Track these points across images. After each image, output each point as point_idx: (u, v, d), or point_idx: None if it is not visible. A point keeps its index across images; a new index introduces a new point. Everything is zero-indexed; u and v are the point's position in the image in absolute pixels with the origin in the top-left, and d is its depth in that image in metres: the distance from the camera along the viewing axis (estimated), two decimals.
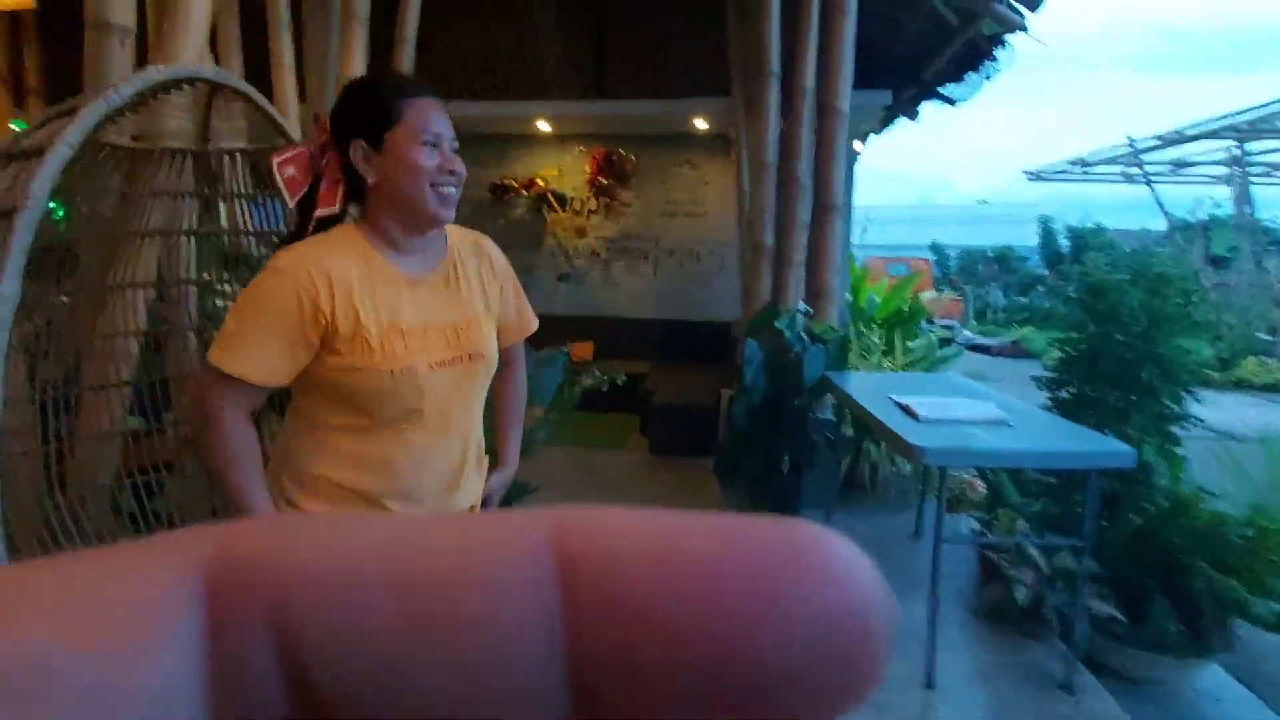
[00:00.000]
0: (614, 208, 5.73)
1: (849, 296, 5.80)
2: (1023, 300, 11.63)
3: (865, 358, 4.16)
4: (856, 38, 3.13)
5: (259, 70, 2.16)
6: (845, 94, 3.10)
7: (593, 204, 5.74)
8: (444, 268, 1.02)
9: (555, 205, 5.75)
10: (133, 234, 1.61)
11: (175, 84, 1.06)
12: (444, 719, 0.08)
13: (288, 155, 1.01)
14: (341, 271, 0.92)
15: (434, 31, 5.35)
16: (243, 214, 1.72)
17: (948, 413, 2.15)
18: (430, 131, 0.95)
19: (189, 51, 1.60)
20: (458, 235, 1.06)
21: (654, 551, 0.08)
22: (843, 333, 3.16)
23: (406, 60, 2.55)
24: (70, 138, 0.83)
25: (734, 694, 0.08)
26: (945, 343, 9.31)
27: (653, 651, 0.08)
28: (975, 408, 2.21)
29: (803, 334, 2.99)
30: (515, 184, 5.73)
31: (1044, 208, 14.78)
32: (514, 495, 2.03)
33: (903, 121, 5.90)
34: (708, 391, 4.06)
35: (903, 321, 5.04)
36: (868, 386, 2.72)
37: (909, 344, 4.74)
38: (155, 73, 0.90)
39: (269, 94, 2.23)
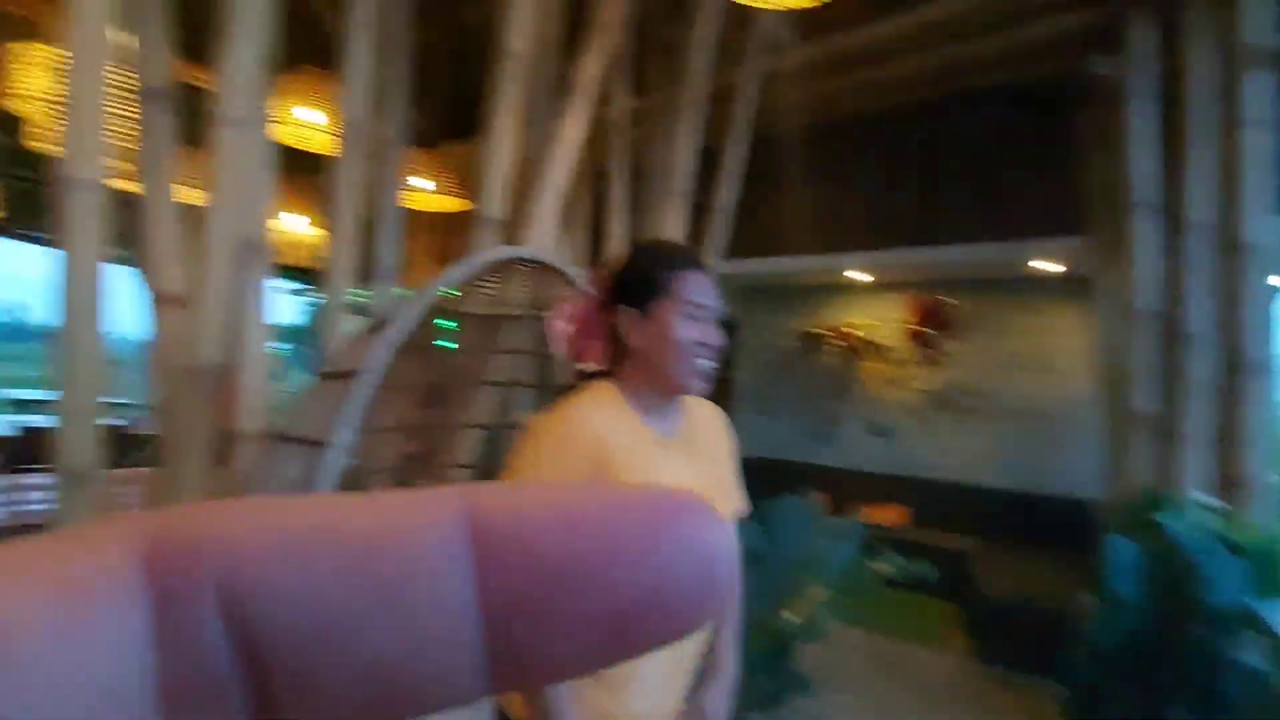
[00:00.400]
0: (937, 359, 5.23)
1: None
2: None
3: None
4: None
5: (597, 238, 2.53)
6: (1254, 224, 2.40)
7: (912, 354, 5.33)
8: (684, 431, 1.01)
9: (869, 354, 5.49)
10: (482, 382, 1.91)
11: (504, 263, 1.25)
12: (377, 670, 0.09)
13: (565, 311, 1.08)
14: (611, 432, 0.93)
15: (756, 196, 5.83)
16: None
17: None
18: (694, 304, 0.96)
19: (539, 236, 1.92)
20: (692, 400, 1.05)
21: (555, 514, 0.10)
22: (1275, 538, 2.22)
23: (719, 227, 2.75)
24: (408, 316, 0.97)
25: (621, 621, 0.10)
26: None
27: (556, 597, 0.10)
28: None
29: (1206, 537, 2.18)
30: (827, 333, 5.66)
31: None
32: (782, 691, 1.75)
33: None
34: (1055, 588, 3.19)
35: None
36: None
37: None
38: (498, 252, 1.05)
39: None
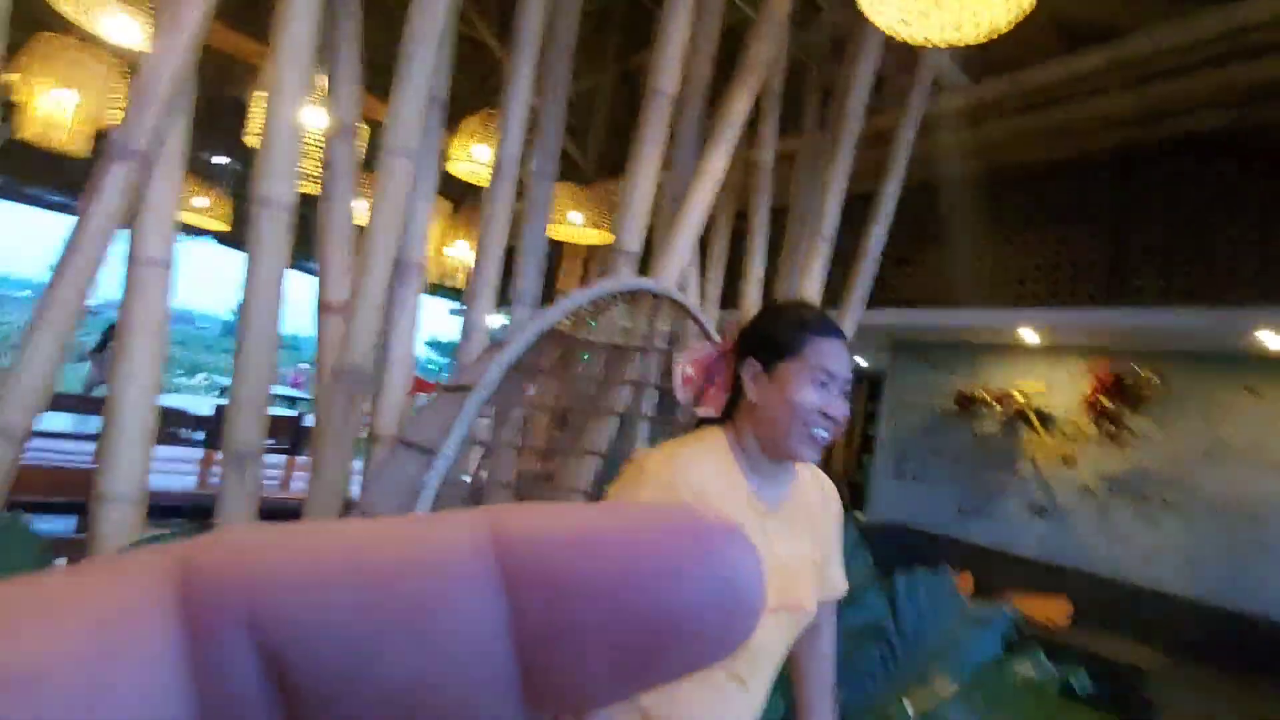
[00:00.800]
0: (1121, 437, 4.57)
1: None
2: None
3: None
4: None
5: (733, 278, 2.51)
6: None
7: (1090, 429, 4.70)
8: (789, 502, 0.97)
9: (1037, 425, 4.92)
10: (603, 410, 1.94)
11: (632, 295, 1.27)
12: (411, 696, 0.09)
13: (692, 355, 1.07)
14: (713, 485, 0.91)
15: (916, 246, 5.52)
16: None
17: None
18: (823, 370, 0.93)
19: (670, 269, 1.93)
20: (808, 472, 1.01)
21: (579, 535, 0.10)
22: None
23: (866, 275, 2.61)
24: (523, 337, 1.00)
25: (649, 645, 0.10)
26: None
27: (583, 620, 0.10)
28: None
29: None
30: (987, 396, 5.16)
31: None
32: None
33: None
34: None
35: None
36: None
37: None
38: (606, 284, 1.07)
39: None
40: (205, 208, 4.05)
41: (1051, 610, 4.16)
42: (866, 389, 7.59)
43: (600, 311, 1.49)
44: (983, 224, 5.01)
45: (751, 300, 2.54)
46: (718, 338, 1.38)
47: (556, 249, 5.43)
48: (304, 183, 1.84)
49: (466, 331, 1.71)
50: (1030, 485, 4.90)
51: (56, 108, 2.70)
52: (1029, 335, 4.83)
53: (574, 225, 3.86)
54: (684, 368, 1.06)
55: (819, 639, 1.07)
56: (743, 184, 2.75)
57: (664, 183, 2.20)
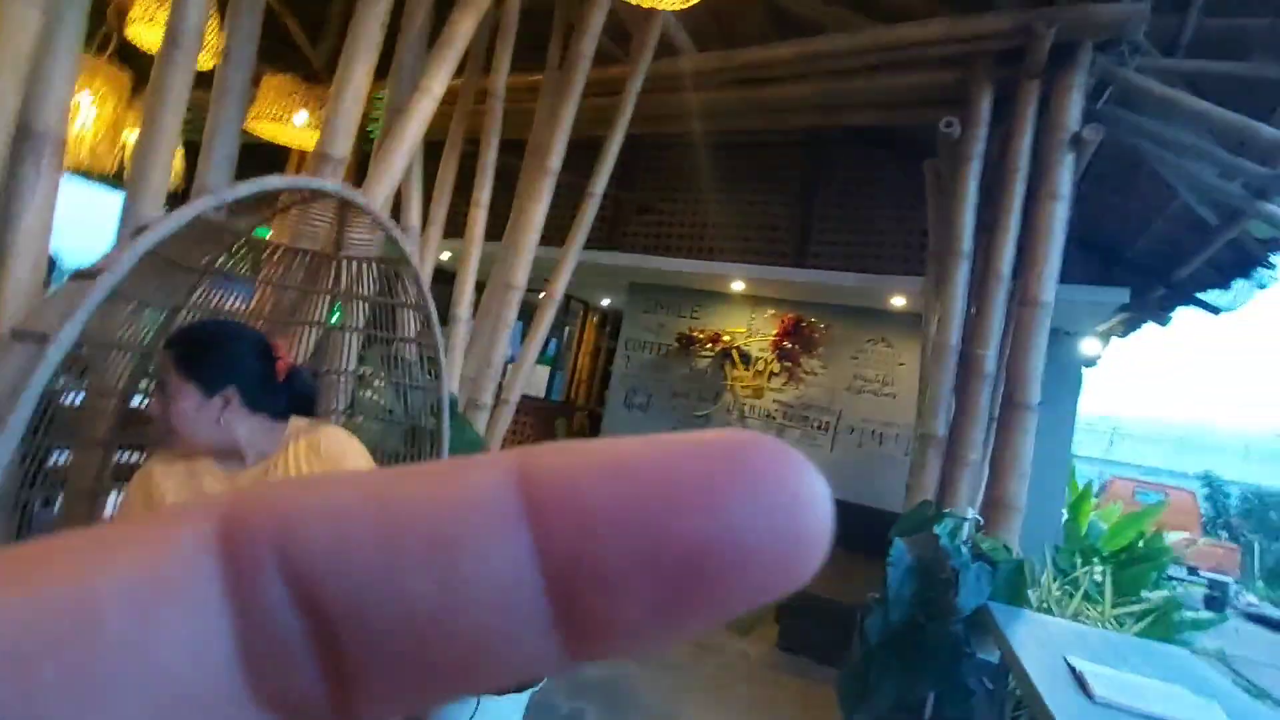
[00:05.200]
0: (796, 374, 5.58)
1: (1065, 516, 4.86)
2: None
3: (1070, 596, 3.35)
4: (1090, 230, 2.82)
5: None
6: (1049, 284, 2.75)
7: (775, 367, 5.66)
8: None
9: (738, 362, 5.76)
10: (300, 320, 1.85)
11: (303, 193, 1.23)
12: (437, 628, 0.09)
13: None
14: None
15: (655, 195, 5.97)
16: (414, 321, 1.92)
17: (1142, 701, 1.56)
18: None
19: (384, 181, 1.88)
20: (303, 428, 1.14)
21: (608, 464, 0.10)
22: (1019, 556, 2.57)
23: (589, 213, 2.80)
24: (169, 223, 0.94)
25: (692, 577, 0.09)
26: (1210, 603, 7.27)
27: (615, 551, 0.09)
28: (1191, 706, 1.59)
29: (964, 546, 2.49)
30: (702, 336, 5.89)
31: None
32: None
33: (1188, 328, 5.12)
34: (857, 589, 3.51)
35: (1134, 561, 4.06)
36: (1039, 634, 2.13)
37: (1144, 593, 3.76)
38: (270, 181, 1.03)
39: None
40: None
41: None
42: (609, 329, 8.13)
43: (305, 219, 1.42)
44: (709, 183, 5.60)
45: (478, 226, 2.58)
46: (409, 248, 1.41)
47: (283, 154, 4.81)
48: None
49: (126, 223, 1.50)
50: (730, 413, 5.76)
51: None
52: (738, 285, 5.58)
53: (300, 127, 3.47)
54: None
55: None
56: (477, 113, 2.74)
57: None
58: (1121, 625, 3.16)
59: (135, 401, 1.50)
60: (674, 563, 0.09)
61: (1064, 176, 2.84)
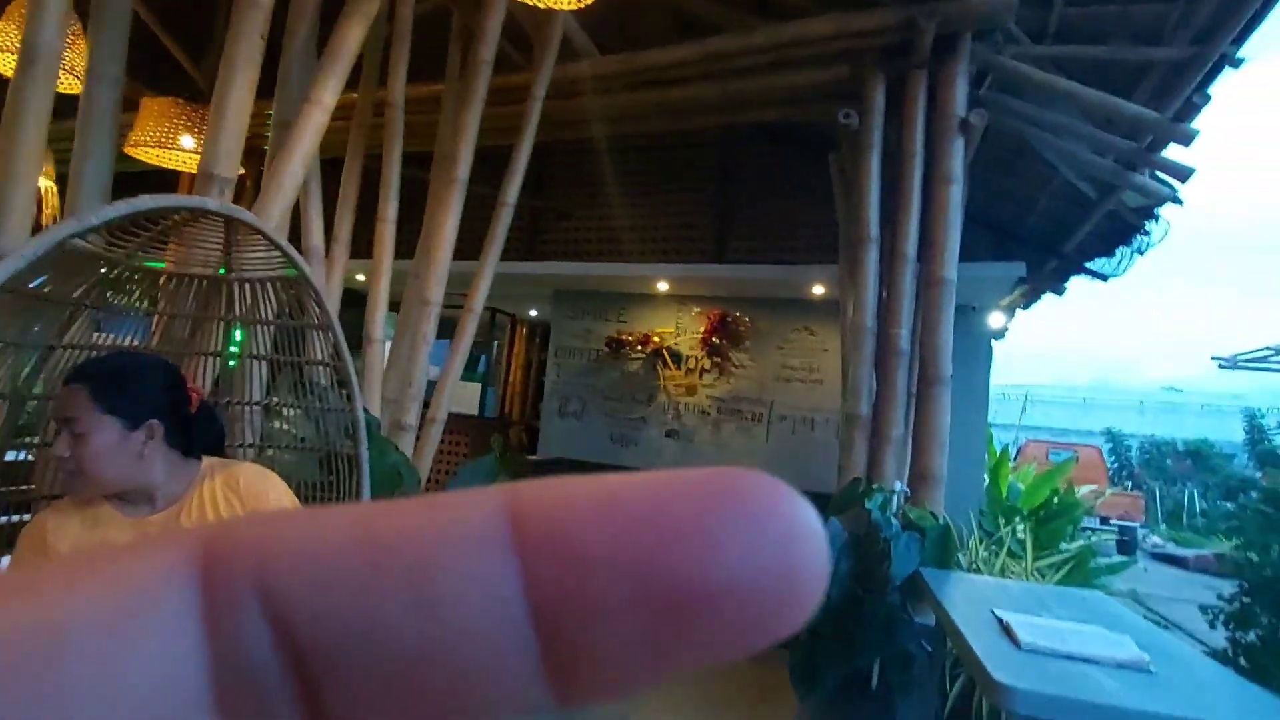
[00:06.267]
0: (726, 368, 5.67)
1: (986, 481, 5.13)
2: (1228, 506, 9.69)
3: (995, 555, 3.53)
4: (986, 210, 2.98)
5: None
6: (951, 262, 2.90)
7: (706, 363, 5.73)
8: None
9: (669, 362, 5.81)
10: (194, 351, 1.74)
11: (176, 211, 1.16)
12: (421, 665, 0.09)
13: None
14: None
15: (573, 202, 5.96)
16: (322, 344, 1.83)
17: (1063, 643, 1.66)
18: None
19: (276, 199, 1.80)
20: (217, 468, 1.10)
21: (597, 500, 0.09)
22: (944, 522, 2.69)
23: (504, 223, 2.76)
24: (26, 251, 0.87)
25: (684, 617, 0.09)
26: (1121, 548, 7.83)
27: (605, 588, 0.09)
28: (1107, 642, 1.70)
29: (894, 518, 2.59)
30: (631, 339, 5.90)
31: (1248, 399, 12.74)
32: None
33: (1082, 297, 5.48)
34: None
35: (1051, 516, 4.32)
36: (967, 592, 2.23)
37: (1062, 545, 4.00)
38: (142, 201, 0.97)
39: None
40: None
41: None
42: (539, 340, 8.05)
43: (195, 243, 1.34)
44: (625, 186, 5.64)
45: (386, 243, 2.50)
46: (303, 263, 1.34)
47: (175, 181, 4.53)
48: None
49: None
50: (665, 413, 5.80)
51: None
52: (662, 286, 5.63)
53: (190, 151, 3.27)
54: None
55: None
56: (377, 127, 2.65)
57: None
58: (1044, 576, 3.36)
59: (10, 456, 1.37)
60: (664, 600, 0.09)
61: (956, 160, 3.00)
